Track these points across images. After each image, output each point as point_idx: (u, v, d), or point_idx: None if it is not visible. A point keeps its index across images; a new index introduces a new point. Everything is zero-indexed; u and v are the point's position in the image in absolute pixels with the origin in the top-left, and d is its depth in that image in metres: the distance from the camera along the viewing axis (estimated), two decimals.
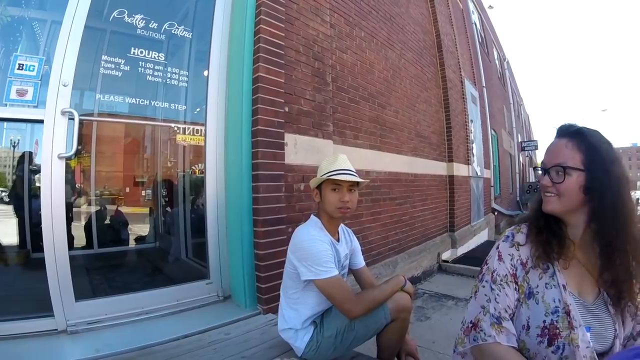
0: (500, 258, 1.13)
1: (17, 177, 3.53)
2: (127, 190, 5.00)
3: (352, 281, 2.11)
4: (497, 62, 15.01)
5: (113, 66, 2.52)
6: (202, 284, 2.65)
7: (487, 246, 6.96)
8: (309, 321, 1.80)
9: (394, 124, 4.64)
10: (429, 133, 5.72)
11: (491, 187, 9.75)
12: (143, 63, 2.62)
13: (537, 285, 1.06)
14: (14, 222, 3.37)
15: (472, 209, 7.35)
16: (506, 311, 1.07)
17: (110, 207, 4.69)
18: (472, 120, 7.63)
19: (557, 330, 0.99)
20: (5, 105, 2.12)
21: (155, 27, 2.66)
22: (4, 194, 3.76)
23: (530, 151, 21.35)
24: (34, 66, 2.18)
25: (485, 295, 1.10)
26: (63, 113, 2.12)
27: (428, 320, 3.54)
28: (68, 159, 2.15)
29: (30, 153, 3.35)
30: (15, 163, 3.52)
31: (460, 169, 6.69)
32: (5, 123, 3.14)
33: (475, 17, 11.35)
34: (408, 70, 5.22)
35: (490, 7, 15.04)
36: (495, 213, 9.90)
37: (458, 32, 7.79)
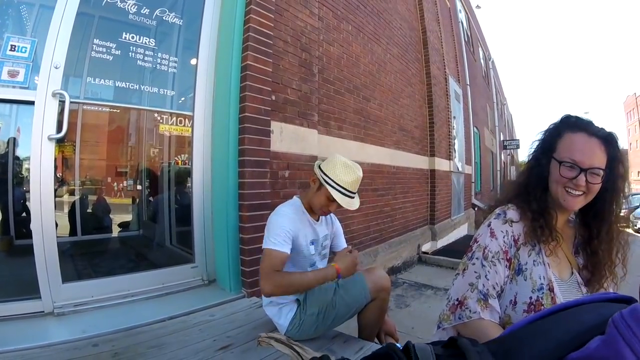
0: (492, 234, 1.13)
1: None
2: (109, 179, 4.95)
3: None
4: (482, 61, 15.24)
5: (104, 50, 2.53)
6: (187, 267, 2.70)
7: (466, 240, 7.12)
8: (289, 298, 1.85)
9: (378, 116, 4.72)
10: (411, 127, 5.83)
11: (472, 182, 9.95)
12: (134, 48, 2.63)
13: (526, 262, 1.09)
14: None
15: (452, 203, 7.52)
16: (494, 288, 1.08)
17: (93, 197, 4.66)
18: (454, 117, 7.78)
19: (542, 307, 1.03)
20: None
21: (146, 13, 2.67)
22: None
23: (512, 150, 21.77)
24: (26, 47, 2.17)
25: (475, 272, 1.10)
26: (54, 95, 2.13)
27: (407, 308, 3.67)
28: (58, 140, 2.16)
29: (14, 139, 3.32)
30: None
31: (441, 164, 6.83)
32: None
33: (462, 16, 11.51)
34: (393, 65, 5.31)
35: (478, 7, 15.21)
36: (476, 209, 10.10)
37: (444, 29, 7.90)
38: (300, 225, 1.83)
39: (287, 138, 2.97)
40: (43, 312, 2.08)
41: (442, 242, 6.50)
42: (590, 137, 1.06)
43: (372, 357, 0.57)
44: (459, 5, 11.07)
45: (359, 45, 4.40)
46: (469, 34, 12.43)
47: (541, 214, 1.09)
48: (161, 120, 3.16)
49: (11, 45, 2.14)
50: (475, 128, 11.06)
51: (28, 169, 3.42)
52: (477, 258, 1.11)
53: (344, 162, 1.84)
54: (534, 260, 1.08)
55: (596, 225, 1.09)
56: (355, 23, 4.36)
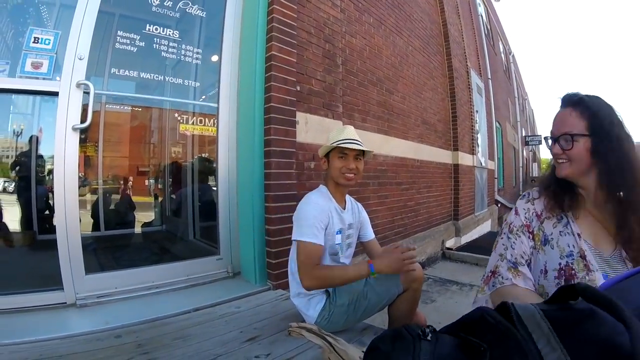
0: (516, 212, 1.23)
1: (22, 163, 3.53)
2: (132, 178, 5.02)
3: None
4: (502, 55, 14.97)
5: (127, 42, 2.54)
6: (212, 259, 2.69)
7: (490, 237, 7.02)
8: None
9: (401, 109, 4.66)
10: (434, 121, 5.75)
11: (495, 179, 9.77)
12: (157, 40, 2.65)
13: (552, 233, 1.14)
14: (18, 210, 3.38)
15: (475, 199, 7.39)
16: (522, 257, 1.15)
17: (117, 194, 4.73)
18: (477, 111, 7.63)
19: (573, 272, 1.05)
20: (21, 77, 2.14)
21: (169, 5, 2.68)
22: (6, 183, 3.79)
23: (533, 146, 21.31)
24: (49, 40, 2.19)
25: (503, 244, 1.20)
26: (78, 85, 2.13)
27: (433, 303, 3.61)
28: (82, 130, 2.17)
29: (37, 138, 3.38)
30: (20, 149, 3.55)
31: (465, 158, 6.72)
32: (13, 96, 3.13)
33: (481, 9, 11.31)
34: (415, 57, 5.23)
35: (497, 0, 14.97)
36: (499, 205, 9.91)
37: (464, 22, 7.78)
38: (330, 214, 1.80)
39: (313, 129, 2.94)
40: (65, 303, 2.08)
41: (465, 238, 6.39)
42: (563, 108, 1.15)
43: (462, 321, 0.57)
44: None
45: (381, 38, 4.34)
46: (488, 27, 12.20)
47: (557, 185, 1.16)
48: (185, 113, 3.16)
49: (34, 38, 2.17)
50: (497, 123, 10.86)
51: (51, 168, 3.51)
52: (504, 233, 1.23)
53: (335, 130, 1.98)
54: (560, 231, 1.13)
55: (615, 192, 1.06)
56: (377, 15, 4.31)
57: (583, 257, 1.06)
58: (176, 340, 1.80)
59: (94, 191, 4.26)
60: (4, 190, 3.60)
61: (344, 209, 1.92)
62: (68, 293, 2.09)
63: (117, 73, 2.68)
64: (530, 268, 1.16)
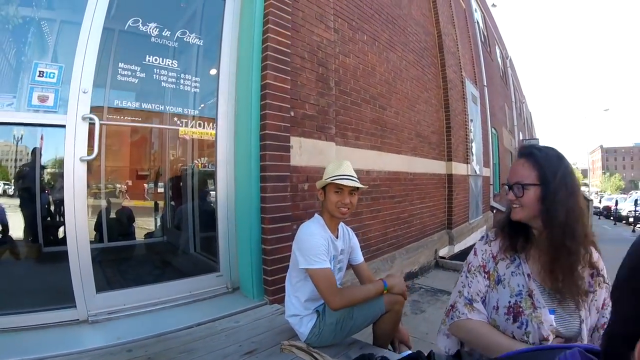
0: (475, 253, 1.38)
1: (26, 173, 3.61)
2: (130, 184, 5.13)
3: (352, 275, 2.29)
4: (499, 60, 15.05)
5: (128, 73, 2.67)
6: (212, 276, 2.84)
7: None
8: (311, 308, 2.00)
9: (395, 124, 4.78)
10: (428, 133, 5.86)
11: (490, 185, 9.88)
12: (157, 70, 2.77)
13: (504, 274, 1.28)
14: (20, 216, 3.45)
15: (470, 206, 7.51)
16: (477, 294, 1.31)
17: (117, 202, 4.84)
18: (472, 120, 7.75)
19: (521, 309, 1.20)
20: (28, 110, 2.26)
21: (168, 35, 2.81)
22: (6, 186, 3.86)
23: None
24: (53, 73, 2.32)
25: (462, 282, 1.36)
26: (84, 119, 2.27)
27: (423, 313, 3.72)
28: (89, 161, 2.31)
29: (40, 149, 3.45)
30: (22, 158, 3.64)
31: (458, 168, 6.84)
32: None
33: (477, 16, 11.40)
34: (409, 71, 5.35)
35: (494, 5, 15.06)
36: (494, 211, 10.02)
37: (460, 32, 7.87)
38: (327, 243, 1.95)
39: (306, 152, 3.07)
40: (78, 320, 2.21)
41: (459, 246, 6.51)
42: (518, 158, 1.29)
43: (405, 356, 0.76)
44: (474, 5, 10.98)
45: (375, 55, 4.46)
46: (485, 33, 12.32)
47: (512, 229, 1.29)
48: (184, 136, 3.29)
49: (39, 72, 2.29)
50: (493, 129, 10.97)
51: (52, 176, 3.61)
52: (464, 271, 1.38)
53: (332, 164, 2.08)
54: (512, 272, 1.27)
55: (554, 235, 1.17)
56: (371, 32, 4.42)
57: (531, 295, 1.20)
58: (181, 354, 1.95)
59: (94, 197, 4.37)
60: (4, 193, 3.70)
61: (337, 237, 2.08)
62: (80, 310, 2.22)
63: (120, 104, 2.82)
64: (485, 304, 1.30)
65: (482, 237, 1.42)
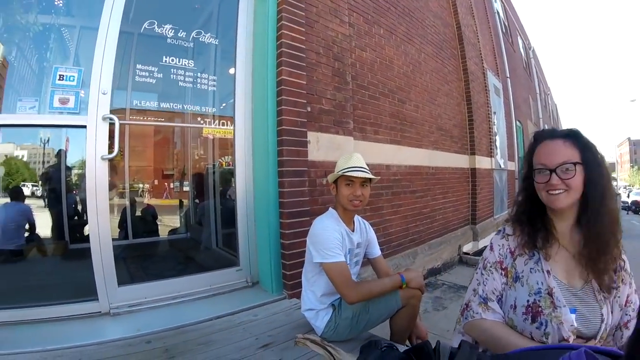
0: (491, 248, 1.30)
1: (52, 174, 3.77)
2: (156, 182, 5.28)
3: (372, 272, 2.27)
4: (522, 51, 14.65)
5: (146, 73, 2.75)
6: (232, 270, 2.88)
7: None
8: (326, 302, 1.98)
9: (414, 118, 4.71)
10: (450, 126, 5.76)
11: (515, 179, 9.63)
12: (174, 70, 2.83)
13: (523, 270, 1.20)
14: (48, 215, 3.63)
15: (494, 201, 7.35)
16: (493, 293, 1.23)
17: (140, 200, 4.98)
18: (495, 112, 7.56)
19: (540, 309, 1.12)
20: (50, 113, 2.39)
21: (183, 36, 2.86)
22: (35, 188, 4.01)
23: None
24: (73, 76, 2.43)
25: (477, 280, 1.29)
26: (104, 119, 2.35)
27: (445, 310, 3.67)
28: (110, 160, 2.38)
29: (66, 151, 3.62)
30: (49, 160, 3.78)
31: (482, 162, 6.70)
32: None
33: (497, 6, 11.11)
34: (428, 64, 5.26)
35: None
36: None
37: (480, 22, 7.70)
38: (341, 237, 1.93)
39: (324, 147, 3.07)
40: (100, 312, 2.30)
41: (483, 242, 6.34)
42: (552, 140, 1.16)
43: (412, 349, 0.83)
44: None
45: (392, 48, 4.41)
46: (506, 24, 11.98)
47: (531, 223, 1.21)
48: (206, 135, 3.34)
49: (59, 75, 2.39)
50: (517, 122, 10.67)
51: (78, 177, 3.74)
52: (479, 268, 1.30)
53: (343, 157, 2.06)
54: (530, 269, 1.18)
55: (587, 220, 1.12)
56: (387, 25, 4.37)
57: (550, 294, 1.12)
58: (199, 345, 1.99)
59: (119, 196, 4.51)
60: (33, 195, 3.85)
61: (353, 230, 2.05)
62: (102, 303, 2.31)
63: (139, 104, 2.89)
64: (501, 302, 1.23)
65: (499, 231, 1.33)
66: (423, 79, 5.07)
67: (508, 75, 9.65)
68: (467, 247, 5.93)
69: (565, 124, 30.25)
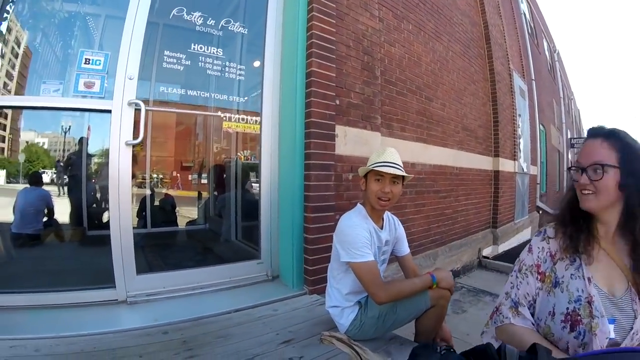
0: (530, 250, 1.24)
1: (73, 161, 3.78)
2: (174, 173, 5.29)
3: (396, 267, 2.20)
4: (547, 53, 14.36)
5: (174, 60, 2.69)
6: (253, 263, 2.84)
7: None
8: (352, 301, 1.92)
9: (441, 116, 4.65)
10: (475, 127, 5.67)
11: (537, 184, 9.47)
12: (202, 58, 2.78)
13: (563, 276, 1.13)
14: (67, 202, 3.64)
15: (516, 206, 7.20)
16: (525, 297, 1.19)
17: (159, 190, 4.99)
18: (519, 115, 7.41)
19: (579, 317, 1.06)
20: (74, 96, 2.36)
21: (212, 24, 2.82)
22: (54, 175, 3.99)
23: (579, 148, 20.32)
24: (100, 60, 2.40)
25: (511, 283, 1.24)
26: (130, 104, 2.31)
27: (464, 313, 3.62)
28: (134, 146, 2.35)
29: (87, 139, 3.61)
30: (69, 149, 3.79)
31: (505, 165, 6.58)
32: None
33: (524, 7, 10.90)
34: (455, 62, 5.18)
35: None
36: (540, 212, 9.59)
37: (506, 22, 7.56)
38: (369, 234, 1.86)
39: (351, 141, 3.01)
40: (117, 300, 2.26)
41: (503, 247, 6.26)
42: (592, 139, 1.13)
43: (472, 351, 0.79)
44: None
45: (420, 44, 4.34)
46: (532, 25, 11.75)
47: (574, 224, 1.15)
48: (232, 120, 3.29)
49: (85, 59, 2.37)
50: (541, 126, 10.46)
51: (98, 165, 3.74)
52: (514, 271, 1.25)
53: (376, 152, 1.97)
54: (571, 274, 1.12)
55: (631, 227, 1.05)
56: (416, 21, 4.31)
57: (589, 302, 1.06)
58: (218, 338, 1.94)
59: (139, 186, 4.52)
60: (52, 182, 3.85)
61: (382, 227, 1.98)
62: (120, 291, 2.28)
63: (166, 91, 2.89)
64: (533, 308, 1.18)
65: (539, 232, 1.27)
66: (450, 77, 4.98)
67: (533, 78, 9.48)
68: (487, 251, 5.83)
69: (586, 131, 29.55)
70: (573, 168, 1.15)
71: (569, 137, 17.87)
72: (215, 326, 2.09)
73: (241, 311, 2.31)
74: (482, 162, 5.88)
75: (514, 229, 6.97)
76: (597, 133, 1.13)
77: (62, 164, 3.88)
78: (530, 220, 8.32)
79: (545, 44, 14.34)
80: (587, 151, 1.12)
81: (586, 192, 1.09)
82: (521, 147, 7.44)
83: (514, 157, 6.99)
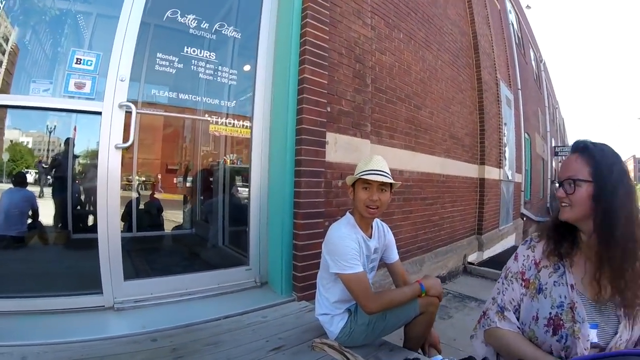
0: (516, 258, 1.31)
1: (58, 162, 3.72)
2: (159, 176, 5.21)
3: (385, 274, 2.21)
4: (533, 63, 14.61)
5: (166, 63, 2.66)
6: (241, 269, 2.83)
7: (513, 251, 6.95)
8: (341, 308, 1.93)
9: (429, 125, 4.70)
10: (462, 135, 5.74)
11: (521, 191, 9.60)
12: (194, 61, 2.76)
13: (547, 283, 1.20)
14: (50, 204, 3.57)
15: (500, 213, 7.31)
16: (510, 303, 1.25)
17: (145, 193, 4.92)
18: (505, 123, 7.55)
19: (561, 322, 1.12)
20: (64, 96, 2.31)
21: (206, 27, 2.80)
22: (35, 175, 3.90)
23: (563, 156, 20.70)
24: (91, 61, 2.34)
25: (498, 289, 1.31)
26: (120, 106, 2.28)
27: (450, 319, 3.66)
28: (124, 149, 2.32)
29: (73, 139, 3.56)
30: (54, 149, 3.73)
31: (491, 172, 6.68)
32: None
33: (512, 17, 11.10)
34: (444, 71, 5.25)
35: (528, 7, 14.65)
36: (524, 218, 9.74)
37: (495, 32, 7.70)
38: (358, 245, 1.86)
39: (341, 148, 3.02)
40: (104, 306, 2.21)
41: (488, 253, 6.34)
42: (571, 154, 1.19)
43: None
44: (508, 6, 10.67)
45: (410, 53, 4.39)
46: (519, 35, 11.96)
47: (554, 233, 1.22)
48: (218, 127, 3.28)
49: (77, 59, 2.31)
50: (526, 134, 10.64)
51: (83, 166, 3.66)
52: (501, 278, 1.33)
53: (363, 160, 1.99)
54: (554, 282, 1.18)
55: (605, 240, 1.09)
56: (407, 30, 4.36)
57: (572, 308, 1.11)
58: (208, 346, 1.92)
59: (124, 188, 4.44)
60: (35, 183, 3.75)
61: (370, 235, 1.99)
62: (107, 297, 2.23)
63: (157, 94, 2.84)
64: (518, 313, 1.24)
65: (526, 240, 1.34)
66: (439, 86, 5.05)
67: (519, 87, 9.63)
68: (472, 257, 5.89)
69: (571, 139, 30.16)
70: (555, 181, 1.19)
71: (553, 145, 18.19)
72: (205, 333, 2.07)
73: (230, 318, 2.30)
74: (468, 170, 5.95)
75: (499, 236, 7.07)
76: (575, 148, 1.18)
77: (43, 164, 3.79)
78: (515, 227, 8.44)
79: (532, 53, 14.59)
80: (564, 165, 1.20)
81: (563, 204, 1.16)
82: (506, 155, 7.56)
83: (499, 165, 7.10)
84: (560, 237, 1.20)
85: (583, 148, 1.15)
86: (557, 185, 1.20)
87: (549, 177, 16.33)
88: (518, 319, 1.24)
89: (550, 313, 1.15)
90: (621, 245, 1.05)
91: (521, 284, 1.24)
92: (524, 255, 1.28)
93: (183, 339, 1.98)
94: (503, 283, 1.29)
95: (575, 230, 1.18)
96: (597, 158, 1.11)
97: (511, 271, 1.29)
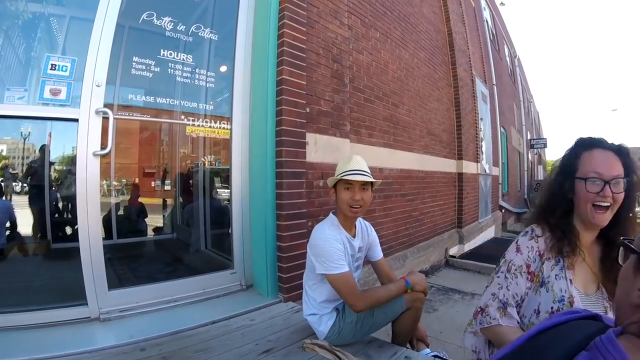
0: (518, 250, 1.27)
1: (34, 170, 3.57)
2: (136, 180, 5.11)
3: (369, 271, 2.24)
4: (507, 59, 14.93)
5: (143, 67, 2.62)
6: (226, 273, 2.81)
7: (493, 243, 7.13)
8: (329, 307, 1.96)
9: (407, 122, 4.75)
10: (439, 131, 5.83)
11: (499, 184, 9.81)
12: (171, 64, 2.72)
13: (549, 276, 1.20)
14: (28, 213, 3.43)
15: (479, 206, 7.45)
16: (514, 298, 1.23)
17: (125, 198, 4.81)
18: (481, 119, 7.70)
19: None
20: (39, 104, 2.23)
21: (182, 30, 2.76)
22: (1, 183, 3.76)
23: (539, 149, 21.25)
24: (66, 66, 2.26)
25: (499, 284, 1.27)
26: (97, 112, 2.23)
27: (435, 312, 3.71)
28: (103, 156, 2.28)
29: (49, 146, 3.41)
30: (29, 155, 3.58)
31: (469, 167, 6.80)
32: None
33: (486, 14, 11.32)
34: (420, 69, 5.32)
35: (502, 3, 14.96)
36: (503, 210, 9.95)
37: (470, 30, 7.83)
38: (343, 246, 1.89)
39: (322, 148, 3.04)
40: (90, 317, 2.16)
41: (469, 246, 6.47)
42: (605, 150, 1.15)
43: None
44: (483, 3, 10.88)
45: (387, 52, 4.44)
46: (494, 32, 12.21)
47: (562, 230, 1.20)
48: (196, 129, 3.24)
49: (51, 65, 2.24)
50: (502, 128, 10.88)
51: (60, 173, 3.56)
52: (502, 272, 1.27)
53: (342, 160, 2.00)
54: (556, 275, 1.19)
55: (616, 233, 1.14)
56: (383, 29, 4.40)
57: (571, 303, 1.13)
58: (197, 352, 1.91)
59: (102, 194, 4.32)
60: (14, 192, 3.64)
61: (354, 236, 2.02)
62: (92, 308, 2.18)
63: (135, 98, 2.81)
64: (519, 307, 1.23)
65: (526, 232, 1.30)
66: (415, 84, 5.11)
67: (495, 83, 9.83)
68: (454, 250, 6.00)
69: (547, 132, 30.95)
70: (592, 179, 1.13)
71: (528, 138, 18.65)
72: (194, 340, 2.05)
73: (218, 323, 2.29)
74: (446, 165, 6.06)
75: (479, 228, 7.21)
76: (609, 147, 1.17)
77: (10, 169, 3.67)
78: (494, 219, 8.62)
79: (506, 49, 14.90)
80: (607, 163, 1.13)
81: (605, 203, 1.11)
82: (483, 149, 7.71)
83: (476, 159, 7.24)
84: (563, 234, 1.20)
85: (621, 148, 1.15)
86: (594, 182, 1.12)
87: (526, 169, 16.74)
88: (518, 313, 1.24)
89: (552, 307, 1.16)
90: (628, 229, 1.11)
91: (527, 278, 1.22)
92: (527, 247, 1.25)
93: (172, 346, 1.96)
94: (506, 277, 1.25)
95: (573, 228, 1.20)
96: (630, 160, 1.14)
97: (515, 264, 1.24)
